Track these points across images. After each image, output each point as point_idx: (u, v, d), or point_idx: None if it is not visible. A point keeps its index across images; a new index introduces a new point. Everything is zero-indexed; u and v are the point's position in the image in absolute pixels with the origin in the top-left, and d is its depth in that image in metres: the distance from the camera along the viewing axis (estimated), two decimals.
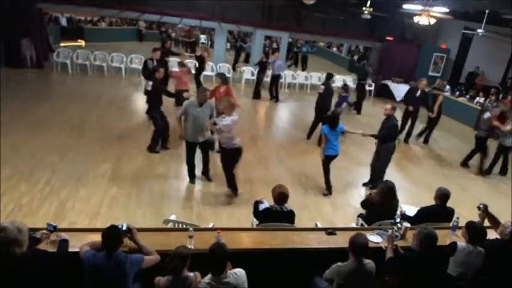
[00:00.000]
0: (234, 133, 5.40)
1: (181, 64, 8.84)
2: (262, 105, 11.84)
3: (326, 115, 7.95)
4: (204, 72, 13.23)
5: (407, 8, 10.44)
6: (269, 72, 12.24)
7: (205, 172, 6.22)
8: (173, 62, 11.14)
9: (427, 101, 9.28)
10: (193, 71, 10.75)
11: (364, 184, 6.69)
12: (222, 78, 7.07)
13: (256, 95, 12.13)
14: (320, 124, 7.84)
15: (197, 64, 11.34)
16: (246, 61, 17.07)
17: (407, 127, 9.34)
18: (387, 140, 6.21)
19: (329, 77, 8.91)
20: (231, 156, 5.56)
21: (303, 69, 18.03)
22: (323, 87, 8.54)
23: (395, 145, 6.33)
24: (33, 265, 2.63)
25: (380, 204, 4.20)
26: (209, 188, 6.05)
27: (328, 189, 6.27)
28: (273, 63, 11.77)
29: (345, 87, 9.53)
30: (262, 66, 11.93)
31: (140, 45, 20.01)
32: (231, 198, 5.74)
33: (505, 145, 7.57)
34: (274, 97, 12.13)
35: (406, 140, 9.39)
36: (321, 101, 8.48)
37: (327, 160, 6.17)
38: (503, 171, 7.97)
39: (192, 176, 6.06)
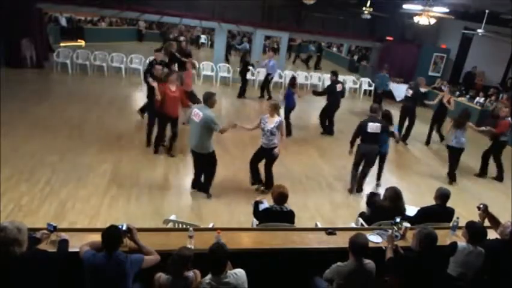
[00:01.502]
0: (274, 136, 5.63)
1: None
2: (262, 105, 11.82)
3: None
4: (204, 72, 13.24)
5: (407, 8, 10.45)
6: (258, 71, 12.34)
7: (205, 187, 5.73)
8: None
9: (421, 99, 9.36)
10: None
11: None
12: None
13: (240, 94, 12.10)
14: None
15: None
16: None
17: (405, 126, 9.32)
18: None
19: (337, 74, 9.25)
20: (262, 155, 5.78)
21: (315, 68, 18.72)
22: (340, 85, 9.03)
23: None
24: (33, 265, 2.63)
25: (391, 210, 4.20)
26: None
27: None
28: (268, 63, 11.85)
29: (291, 80, 9.24)
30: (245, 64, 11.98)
31: (140, 45, 20.03)
32: (264, 193, 5.79)
33: (447, 144, 7.32)
34: (267, 96, 12.13)
35: (404, 140, 9.35)
36: (337, 99, 9.01)
37: None
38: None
39: (194, 186, 5.81)
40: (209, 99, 5.26)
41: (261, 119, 5.71)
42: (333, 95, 9.09)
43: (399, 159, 8.41)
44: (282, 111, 8.81)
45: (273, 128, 5.58)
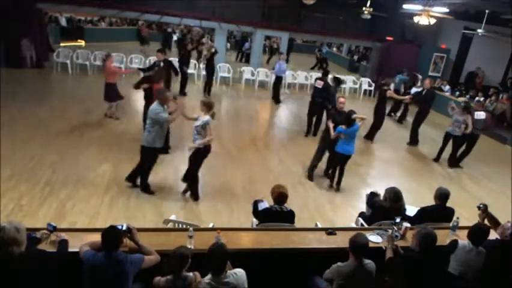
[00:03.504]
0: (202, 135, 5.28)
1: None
2: (262, 105, 11.84)
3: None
4: (203, 72, 13.22)
5: (407, 8, 10.47)
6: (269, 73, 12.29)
7: (139, 180, 5.69)
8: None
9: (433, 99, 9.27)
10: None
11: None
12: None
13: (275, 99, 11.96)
14: None
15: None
16: (247, 61, 17.09)
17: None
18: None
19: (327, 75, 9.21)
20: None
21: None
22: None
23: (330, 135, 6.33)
24: (32, 265, 2.63)
25: (391, 210, 4.20)
26: (209, 188, 6.03)
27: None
28: (275, 65, 11.82)
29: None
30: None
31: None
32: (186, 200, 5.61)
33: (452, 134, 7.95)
34: (275, 98, 12.08)
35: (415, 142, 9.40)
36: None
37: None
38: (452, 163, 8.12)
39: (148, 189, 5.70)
40: (160, 96, 5.35)
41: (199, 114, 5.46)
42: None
43: (401, 159, 8.41)
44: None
45: (197, 126, 5.28)
